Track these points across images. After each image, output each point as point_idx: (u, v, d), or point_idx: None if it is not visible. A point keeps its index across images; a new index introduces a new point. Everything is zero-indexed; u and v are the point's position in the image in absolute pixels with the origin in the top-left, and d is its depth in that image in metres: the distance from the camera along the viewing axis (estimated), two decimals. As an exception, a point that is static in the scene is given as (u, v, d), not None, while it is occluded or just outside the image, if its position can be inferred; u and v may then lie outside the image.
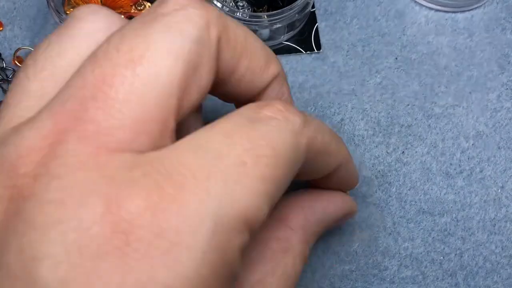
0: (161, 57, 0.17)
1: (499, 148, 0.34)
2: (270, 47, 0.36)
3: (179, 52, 0.17)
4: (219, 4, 0.34)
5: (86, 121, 0.15)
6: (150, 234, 0.14)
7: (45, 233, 0.14)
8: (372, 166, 0.33)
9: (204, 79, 0.18)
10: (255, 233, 0.16)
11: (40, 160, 0.15)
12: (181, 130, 0.18)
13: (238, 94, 0.22)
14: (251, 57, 0.20)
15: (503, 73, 0.36)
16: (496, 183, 0.33)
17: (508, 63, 0.36)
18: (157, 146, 0.16)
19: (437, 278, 0.30)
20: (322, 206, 0.24)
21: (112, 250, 0.13)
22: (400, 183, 0.33)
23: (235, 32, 0.20)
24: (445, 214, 0.32)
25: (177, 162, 0.15)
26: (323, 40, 0.36)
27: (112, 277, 0.13)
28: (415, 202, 0.32)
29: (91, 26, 0.19)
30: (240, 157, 0.16)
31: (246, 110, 0.18)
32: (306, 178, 0.24)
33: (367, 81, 0.35)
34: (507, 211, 0.32)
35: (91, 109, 0.15)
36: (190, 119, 0.22)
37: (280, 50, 0.36)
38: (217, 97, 0.22)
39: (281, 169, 0.17)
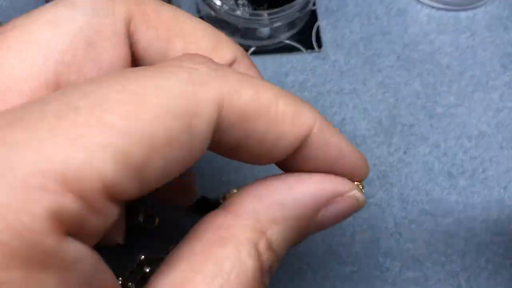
0: (37, 28, 0.16)
1: (501, 148, 0.33)
2: (271, 46, 0.36)
3: (63, 23, 0.16)
4: (218, 2, 0.33)
5: None
6: None
7: None
8: (374, 167, 0.33)
9: (107, 55, 0.17)
10: (100, 200, 0.13)
11: None
12: None
13: None
14: (187, 38, 0.19)
15: (505, 72, 0.35)
16: (499, 183, 0.32)
17: (511, 62, 0.36)
18: None
19: (439, 280, 0.30)
20: (286, 185, 0.18)
21: None
22: (402, 184, 0.32)
23: (157, 10, 0.18)
24: (448, 215, 0.32)
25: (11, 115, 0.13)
26: (324, 38, 0.36)
27: None
28: (417, 202, 0.32)
29: None
30: (69, 102, 0.13)
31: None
32: (255, 160, 0.18)
33: (369, 80, 0.35)
34: (509, 211, 0.32)
35: None
36: None
37: (280, 49, 0.36)
38: None
39: (148, 120, 0.13)
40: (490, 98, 0.35)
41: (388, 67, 0.35)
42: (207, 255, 0.16)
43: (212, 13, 0.34)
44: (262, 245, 0.17)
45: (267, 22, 0.34)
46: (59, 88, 0.16)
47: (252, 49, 0.35)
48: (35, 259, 0.12)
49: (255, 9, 0.35)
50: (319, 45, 0.36)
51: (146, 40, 0.18)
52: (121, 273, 0.29)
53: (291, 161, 0.18)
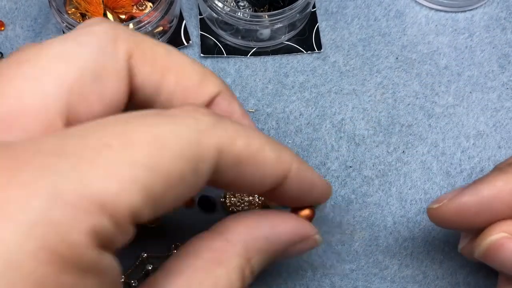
0: (49, 61, 0.18)
1: (499, 147, 0.34)
2: (271, 47, 0.36)
3: (72, 58, 0.18)
4: (220, 4, 0.34)
5: None
6: None
7: None
8: (373, 166, 0.33)
9: (110, 89, 0.19)
10: (126, 223, 0.15)
11: None
12: None
13: None
14: (179, 73, 0.21)
15: (503, 72, 0.36)
16: (496, 182, 0.33)
17: (508, 63, 0.36)
18: None
19: (437, 277, 0.31)
20: (270, 223, 0.22)
21: None
22: (401, 183, 0.33)
23: (153, 49, 0.21)
24: (446, 214, 0.32)
25: (34, 145, 0.15)
26: (324, 40, 0.36)
27: None
28: (416, 201, 0.32)
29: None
30: (103, 139, 0.15)
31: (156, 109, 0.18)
32: (244, 191, 0.23)
33: (368, 80, 0.35)
34: (507, 210, 0.32)
35: None
36: None
37: (281, 50, 0.36)
38: None
39: (167, 161, 0.16)
40: (488, 98, 0.35)
41: (387, 68, 0.36)
42: (207, 273, 0.19)
43: (214, 14, 0.34)
44: (247, 271, 0.21)
45: (267, 24, 0.34)
46: (70, 116, 0.18)
47: (253, 50, 0.36)
48: (82, 266, 0.14)
49: (255, 10, 0.35)
50: (319, 46, 0.36)
51: (143, 74, 0.20)
52: (124, 270, 0.30)
53: (275, 192, 0.21)
